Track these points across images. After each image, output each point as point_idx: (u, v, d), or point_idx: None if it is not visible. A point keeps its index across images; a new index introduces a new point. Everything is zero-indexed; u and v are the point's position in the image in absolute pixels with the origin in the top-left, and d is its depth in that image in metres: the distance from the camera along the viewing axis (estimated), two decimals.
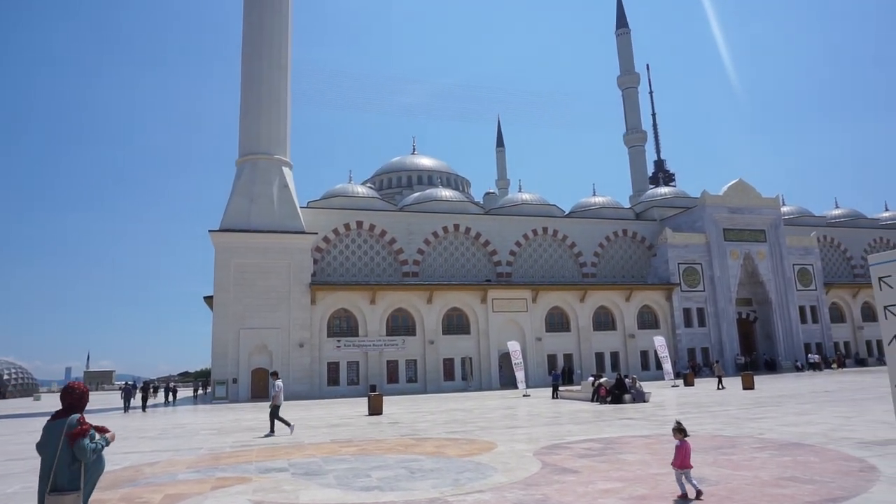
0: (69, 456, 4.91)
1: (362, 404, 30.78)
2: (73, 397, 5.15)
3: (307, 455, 13.40)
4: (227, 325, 41.06)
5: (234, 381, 40.58)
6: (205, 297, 47.14)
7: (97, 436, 5.08)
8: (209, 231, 42.13)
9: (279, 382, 18.47)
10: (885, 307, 3.78)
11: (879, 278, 3.82)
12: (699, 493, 7.64)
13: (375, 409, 24.75)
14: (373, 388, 41.52)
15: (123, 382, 52.61)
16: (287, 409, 30.11)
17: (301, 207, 46.62)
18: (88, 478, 5.03)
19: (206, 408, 34.91)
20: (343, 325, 45.13)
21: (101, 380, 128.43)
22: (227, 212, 43.47)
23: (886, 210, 72.40)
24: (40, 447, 5.00)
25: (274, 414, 17.92)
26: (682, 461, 7.76)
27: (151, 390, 48.84)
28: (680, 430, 7.93)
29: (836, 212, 70.24)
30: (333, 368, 43.98)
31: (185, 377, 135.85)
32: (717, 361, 38.47)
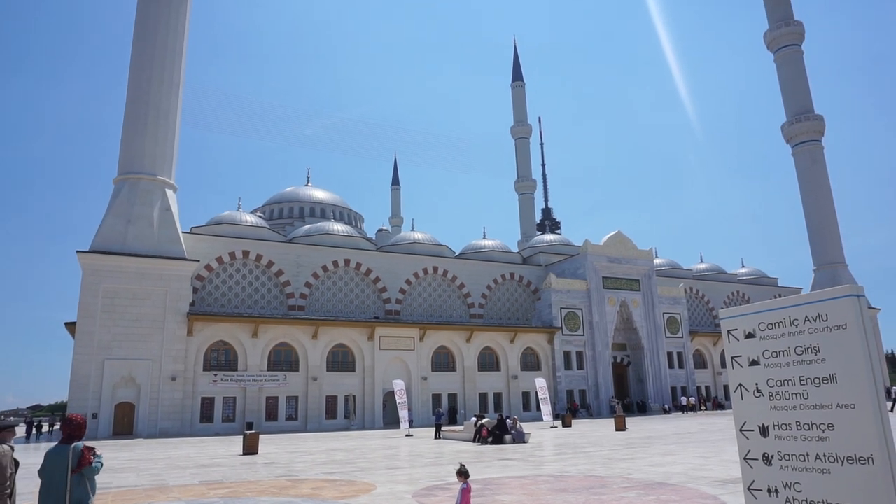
0: (78, 477, 5.84)
1: (237, 443, 29.27)
2: (72, 427, 6.03)
3: (171, 498, 12.50)
4: (91, 354, 37.81)
5: (94, 416, 37.24)
6: (66, 324, 43.25)
7: (98, 458, 6.05)
8: (77, 252, 38.89)
9: None
10: (732, 357, 4.17)
11: (728, 331, 4.21)
12: None
13: (251, 448, 23.60)
14: (249, 426, 39.52)
15: None
16: (153, 448, 28.01)
17: (184, 232, 44.36)
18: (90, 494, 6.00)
19: None
20: (221, 359, 42.93)
21: None
22: (99, 232, 40.44)
23: (743, 266, 79.87)
24: (45, 471, 5.85)
25: None
26: (465, 502, 7.90)
27: None
28: (463, 474, 8.13)
29: (701, 266, 76.57)
30: (208, 404, 41.53)
31: (37, 411, 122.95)
32: (619, 402, 39.01)
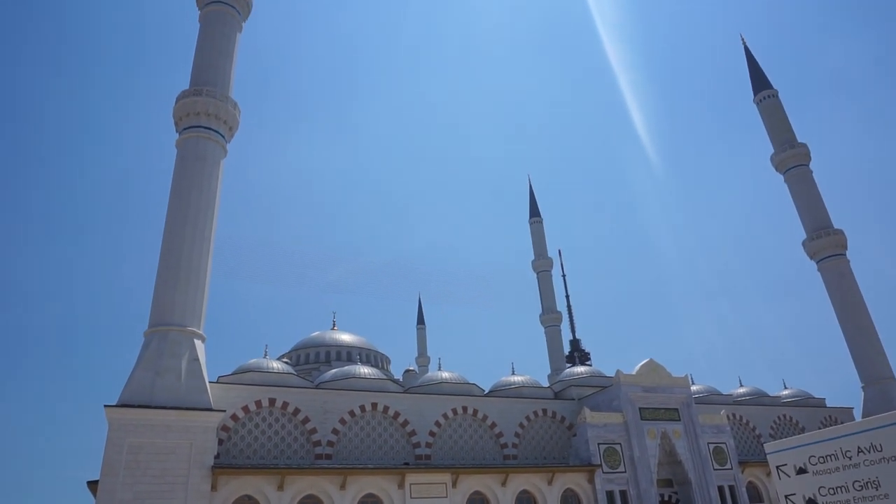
0: None
1: None
2: None
3: None
4: None
5: None
6: (89, 482, 42.05)
7: None
8: (105, 406, 38.61)
9: None
10: (786, 496, 3.85)
11: (777, 467, 3.93)
12: None
13: None
14: None
15: None
16: None
17: (211, 382, 44.12)
18: None
19: None
20: None
21: None
22: (128, 385, 40.36)
23: (786, 388, 76.36)
24: None
25: None
26: None
27: None
28: None
29: (741, 390, 73.38)
30: None
31: None
32: None
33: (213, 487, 39.43)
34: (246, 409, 45.75)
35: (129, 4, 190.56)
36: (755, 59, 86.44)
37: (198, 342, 43.98)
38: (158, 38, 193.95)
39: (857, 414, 73.79)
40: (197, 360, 42.91)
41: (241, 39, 57.99)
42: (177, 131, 51.00)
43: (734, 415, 66.61)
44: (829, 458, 3.60)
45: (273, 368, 50.73)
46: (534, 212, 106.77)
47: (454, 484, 46.70)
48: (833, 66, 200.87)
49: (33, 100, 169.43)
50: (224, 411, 42.79)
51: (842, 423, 70.38)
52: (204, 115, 50.03)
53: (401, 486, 44.94)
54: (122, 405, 39.18)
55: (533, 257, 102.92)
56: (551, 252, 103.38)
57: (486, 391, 58.62)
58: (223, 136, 51.35)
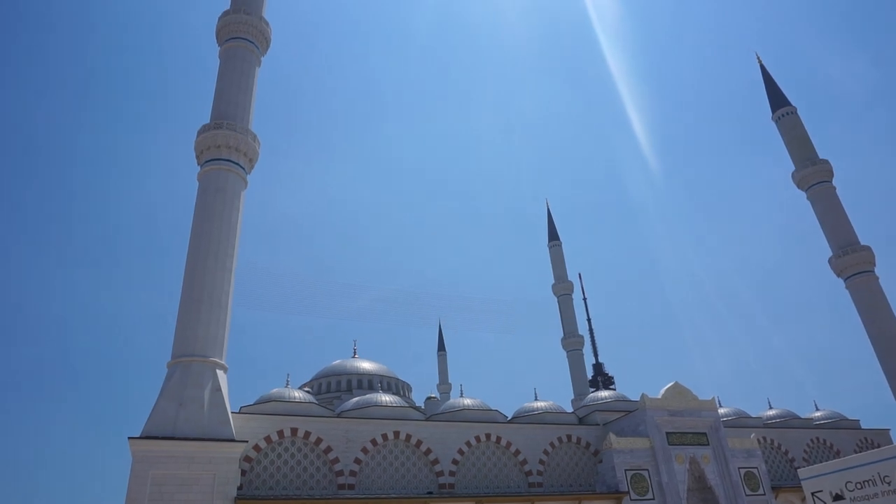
0: None
1: None
2: None
3: None
4: None
5: None
6: None
7: None
8: (129, 438, 38.70)
9: None
10: None
11: (813, 493, 3.77)
12: None
13: None
14: None
15: None
16: None
17: (233, 412, 44.12)
18: None
19: None
20: None
21: None
22: (151, 417, 40.45)
23: (817, 410, 74.30)
24: None
25: None
26: None
27: None
28: None
29: (771, 412, 71.54)
30: None
31: None
32: None
33: None
34: (268, 439, 45.61)
35: (152, 40, 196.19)
36: (771, 77, 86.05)
37: (220, 372, 44.09)
38: (182, 74, 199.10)
39: (895, 436, 71.65)
40: (219, 390, 42.97)
41: (265, 71, 59.34)
42: (198, 164, 51.88)
43: (765, 438, 64.92)
44: (866, 483, 3.43)
45: (295, 398, 50.65)
46: (552, 235, 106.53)
47: None
48: (835, 84, 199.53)
49: (60, 134, 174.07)
50: (247, 442, 42.65)
51: (878, 445, 68.17)
52: (224, 148, 50.87)
53: None
54: (145, 437, 39.25)
55: (553, 281, 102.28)
56: (571, 275, 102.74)
57: (509, 418, 57.90)
58: (243, 168, 52.11)
